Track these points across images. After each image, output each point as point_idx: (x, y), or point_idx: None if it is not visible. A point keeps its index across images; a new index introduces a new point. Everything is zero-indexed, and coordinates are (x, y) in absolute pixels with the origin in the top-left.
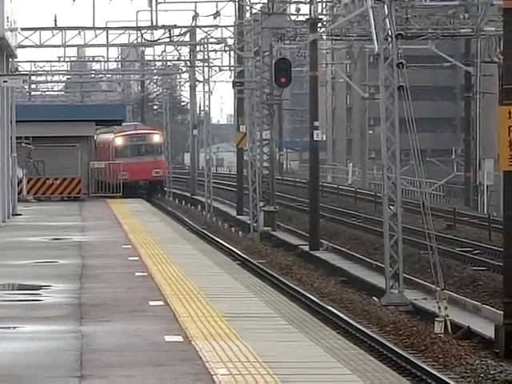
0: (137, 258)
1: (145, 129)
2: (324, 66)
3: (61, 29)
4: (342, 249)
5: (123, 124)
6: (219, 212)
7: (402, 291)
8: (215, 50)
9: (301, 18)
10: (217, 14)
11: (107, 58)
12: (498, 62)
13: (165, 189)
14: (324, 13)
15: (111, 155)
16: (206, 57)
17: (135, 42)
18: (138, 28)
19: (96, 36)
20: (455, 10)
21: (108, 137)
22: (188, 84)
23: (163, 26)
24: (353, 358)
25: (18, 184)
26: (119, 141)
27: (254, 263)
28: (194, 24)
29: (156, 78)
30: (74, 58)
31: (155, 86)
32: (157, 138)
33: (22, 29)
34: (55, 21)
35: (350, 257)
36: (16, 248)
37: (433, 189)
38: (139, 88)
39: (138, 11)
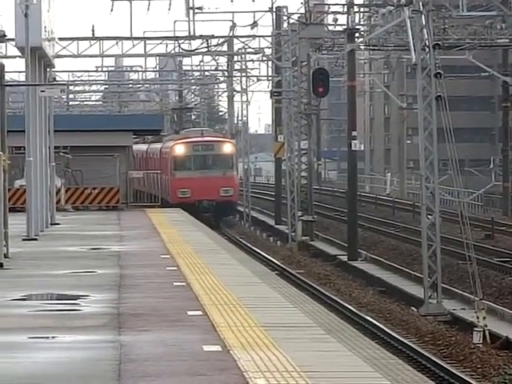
0: (175, 268)
1: (213, 136)
2: (362, 75)
3: (98, 39)
4: (381, 259)
5: (185, 130)
6: (257, 222)
7: (440, 301)
8: (253, 60)
9: (338, 28)
10: (254, 24)
11: (145, 67)
12: None
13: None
14: (361, 23)
15: (169, 167)
16: (243, 67)
17: (173, 51)
18: (175, 38)
19: (134, 46)
20: (492, 21)
21: (166, 145)
22: (226, 94)
23: (201, 35)
24: (391, 367)
25: (57, 193)
26: (180, 149)
27: (293, 273)
28: (231, 34)
29: (194, 87)
30: (112, 68)
31: (193, 95)
32: (228, 147)
33: (60, 39)
34: (93, 31)
35: (388, 267)
36: (54, 258)
37: (471, 198)
38: (177, 98)
39: (175, 21)
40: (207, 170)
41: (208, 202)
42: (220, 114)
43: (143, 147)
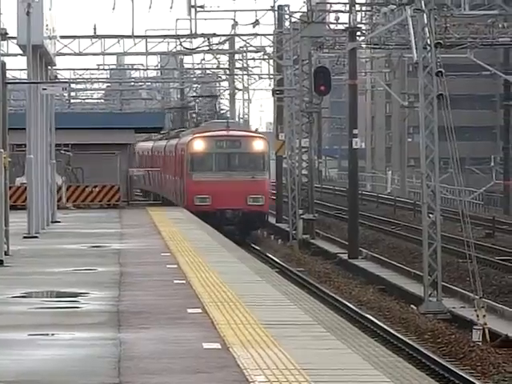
0: (175, 266)
1: (242, 129)
2: (363, 74)
3: (100, 37)
4: (381, 257)
5: (206, 122)
6: None
7: (440, 299)
8: (254, 59)
9: (340, 26)
10: (256, 23)
11: (146, 65)
12: None
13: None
14: (363, 21)
15: (185, 167)
16: (245, 65)
17: (174, 50)
18: (177, 36)
19: (135, 44)
20: (494, 19)
21: (183, 140)
22: (227, 92)
23: (202, 34)
24: (391, 365)
25: (58, 191)
26: (199, 145)
27: (293, 271)
28: (233, 32)
29: (195, 86)
30: (114, 66)
31: (195, 94)
32: (259, 144)
33: (62, 37)
34: (94, 29)
35: (388, 265)
36: (55, 255)
37: (472, 197)
38: (179, 96)
39: (177, 19)
40: (232, 172)
41: (232, 211)
42: (222, 112)
43: (162, 144)
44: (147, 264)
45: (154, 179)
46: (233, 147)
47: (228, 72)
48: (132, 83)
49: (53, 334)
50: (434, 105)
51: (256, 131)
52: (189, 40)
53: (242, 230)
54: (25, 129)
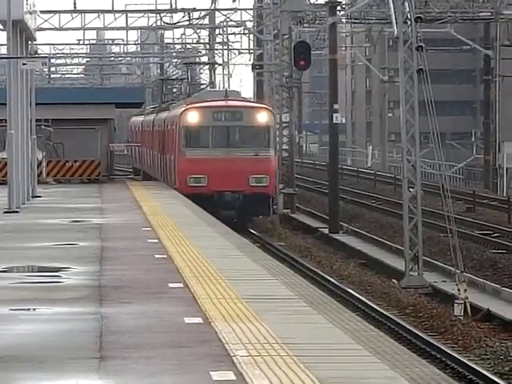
0: (156, 241)
1: (243, 99)
2: (343, 49)
3: (80, 12)
4: (362, 231)
5: (201, 92)
6: None
7: (421, 274)
8: (234, 33)
9: (320, 1)
10: None
11: (127, 40)
12: None
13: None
14: None
15: (177, 143)
16: (225, 40)
17: (154, 25)
18: (157, 11)
19: (115, 19)
20: None
21: (174, 112)
22: (207, 67)
23: (182, 9)
24: (372, 339)
25: (38, 166)
26: (193, 117)
27: (274, 245)
28: (213, 7)
29: (175, 60)
30: (94, 41)
31: (174, 68)
32: (264, 116)
33: (42, 11)
34: (74, 4)
35: (369, 239)
36: (35, 230)
37: (452, 171)
38: (158, 71)
39: None
40: (232, 149)
41: (232, 194)
42: (202, 87)
43: (150, 118)
44: (128, 239)
45: (142, 157)
46: (233, 119)
47: (208, 47)
48: (112, 58)
49: (34, 309)
50: (414, 79)
51: (260, 101)
52: (169, 15)
53: (243, 216)
54: (5, 104)
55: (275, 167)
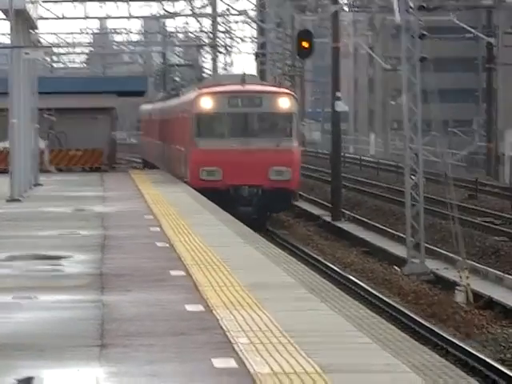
0: (158, 229)
1: (261, 84)
2: (346, 37)
3: (82, 1)
4: (364, 219)
5: (215, 75)
6: None
7: (423, 261)
8: (237, 22)
9: None
10: None
11: (129, 30)
12: None
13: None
14: None
15: (189, 132)
16: (227, 28)
17: (157, 14)
18: (159, 0)
19: (118, 8)
20: None
21: (185, 99)
22: (210, 56)
23: None
24: (374, 327)
25: (40, 155)
26: (207, 103)
27: (277, 233)
28: None
29: (178, 49)
30: (96, 31)
31: (177, 57)
32: (285, 102)
33: (44, 1)
34: None
35: (371, 227)
36: (38, 219)
37: (455, 159)
38: (161, 60)
39: None
40: (250, 139)
41: (249, 189)
42: (204, 76)
43: (159, 106)
44: (130, 227)
45: (151, 148)
46: (251, 106)
47: (211, 35)
48: (114, 47)
49: (36, 297)
50: (416, 68)
51: (280, 85)
52: (171, 3)
53: (261, 213)
54: (7, 93)
55: (298, 159)
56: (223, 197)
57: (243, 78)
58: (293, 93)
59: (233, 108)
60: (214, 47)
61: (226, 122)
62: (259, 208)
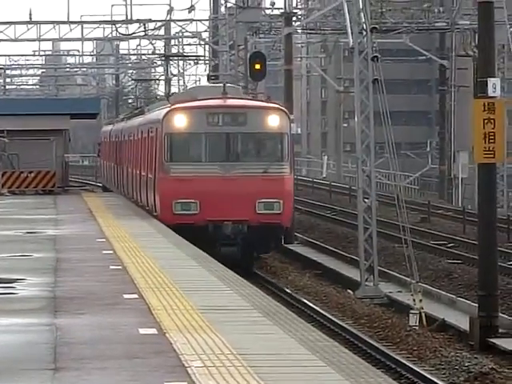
0: (111, 252)
1: (246, 98)
2: (299, 59)
3: (35, 23)
4: (317, 242)
5: (191, 87)
6: None
7: (376, 284)
8: (190, 44)
9: (276, 11)
10: (191, 8)
11: (82, 51)
12: (472, 55)
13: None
14: (299, 7)
15: (158, 156)
16: (180, 51)
17: (110, 35)
18: (112, 22)
19: (71, 30)
20: (430, 4)
21: (153, 116)
22: (163, 77)
23: (138, 20)
24: (327, 350)
25: None
26: (181, 121)
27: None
28: (168, 18)
29: (131, 71)
30: (49, 52)
31: (130, 79)
32: (275, 120)
33: None
34: (30, 14)
35: (324, 250)
36: None
37: (407, 182)
38: (114, 82)
39: (112, 5)
40: (233, 164)
41: (232, 225)
42: (158, 97)
43: (120, 127)
44: (83, 250)
45: (111, 174)
46: (234, 124)
47: (164, 58)
48: (67, 69)
49: None
50: (369, 90)
51: (269, 99)
52: (124, 26)
53: (247, 254)
54: None
55: (291, 189)
56: (201, 235)
57: (224, 91)
58: (284, 108)
59: (212, 127)
60: (166, 69)
61: (204, 144)
62: (245, 248)
